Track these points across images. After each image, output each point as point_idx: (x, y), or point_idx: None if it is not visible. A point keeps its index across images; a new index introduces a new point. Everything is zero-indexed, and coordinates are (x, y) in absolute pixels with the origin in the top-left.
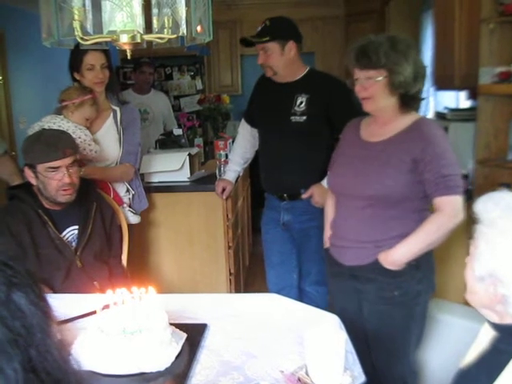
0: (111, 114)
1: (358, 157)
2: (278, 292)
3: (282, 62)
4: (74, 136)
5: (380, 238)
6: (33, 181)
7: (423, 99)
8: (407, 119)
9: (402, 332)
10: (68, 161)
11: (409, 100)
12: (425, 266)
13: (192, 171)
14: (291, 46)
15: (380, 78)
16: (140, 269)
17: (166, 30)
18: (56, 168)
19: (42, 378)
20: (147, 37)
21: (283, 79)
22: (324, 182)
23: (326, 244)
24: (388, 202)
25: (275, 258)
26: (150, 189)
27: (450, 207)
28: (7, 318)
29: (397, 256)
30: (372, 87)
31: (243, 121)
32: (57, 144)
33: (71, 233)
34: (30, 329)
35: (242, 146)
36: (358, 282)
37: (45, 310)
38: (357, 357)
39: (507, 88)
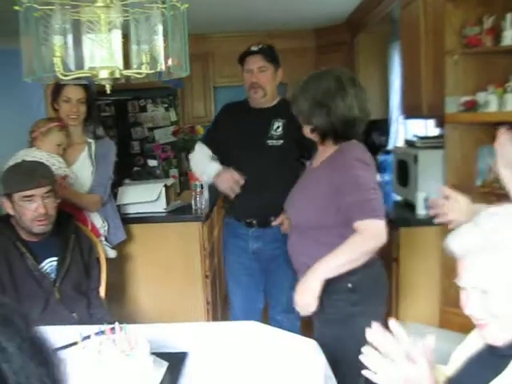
0: (86, 147)
1: (300, 184)
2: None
3: (273, 85)
4: (47, 163)
5: (312, 263)
6: (10, 211)
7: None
8: (335, 146)
9: (339, 353)
10: (43, 190)
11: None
12: (363, 290)
13: (168, 202)
14: (280, 73)
15: None
16: (118, 300)
17: (144, 66)
18: (30, 197)
19: None
20: (126, 72)
21: (263, 104)
22: None
23: None
24: (314, 228)
25: (242, 287)
26: (127, 220)
27: (366, 230)
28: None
29: (315, 271)
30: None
31: (202, 145)
32: (33, 173)
33: (50, 264)
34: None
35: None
36: None
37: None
38: (335, 381)
39: (472, 116)
